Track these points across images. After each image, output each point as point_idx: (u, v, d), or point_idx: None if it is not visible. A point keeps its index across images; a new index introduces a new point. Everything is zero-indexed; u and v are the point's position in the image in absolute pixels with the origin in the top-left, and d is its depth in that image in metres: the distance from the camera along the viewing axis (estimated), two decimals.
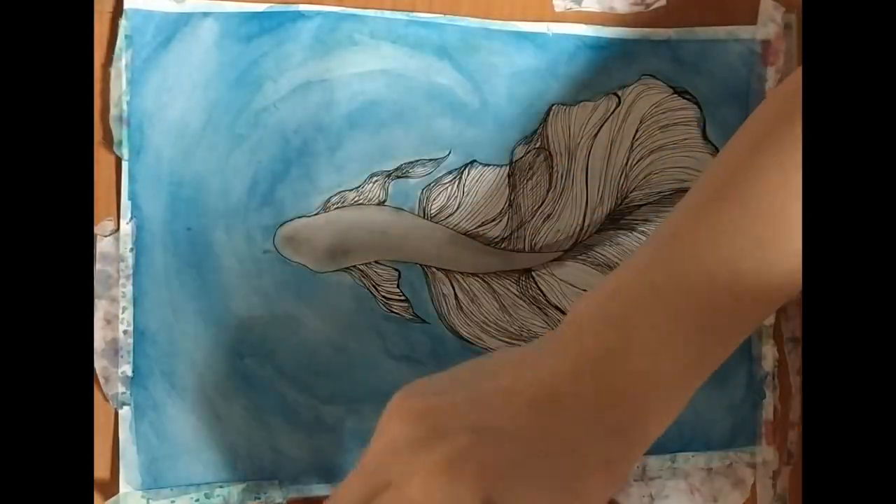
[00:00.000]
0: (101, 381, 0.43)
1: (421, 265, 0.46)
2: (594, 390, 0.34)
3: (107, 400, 0.43)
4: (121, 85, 0.43)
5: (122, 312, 0.43)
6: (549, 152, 0.46)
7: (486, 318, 0.46)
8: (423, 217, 0.46)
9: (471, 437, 0.32)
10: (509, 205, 0.46)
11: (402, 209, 0.46)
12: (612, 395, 0.34)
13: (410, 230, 0.45)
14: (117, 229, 0.44)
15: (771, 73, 0.47)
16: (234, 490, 0.43)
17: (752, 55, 0.47)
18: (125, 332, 0.43)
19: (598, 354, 0.34)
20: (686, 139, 0.47)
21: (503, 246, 0.46)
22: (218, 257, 0.44)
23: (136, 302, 0.43)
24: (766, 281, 0.36)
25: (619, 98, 0.47)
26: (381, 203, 0.45)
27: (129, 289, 0.43)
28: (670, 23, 0.47)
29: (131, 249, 0.43)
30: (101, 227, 0.44)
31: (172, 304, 0.44)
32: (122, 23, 0.43)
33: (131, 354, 0.43)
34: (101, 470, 0.43)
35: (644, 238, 0.47)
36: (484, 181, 0.46)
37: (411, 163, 0.45)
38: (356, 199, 0.45)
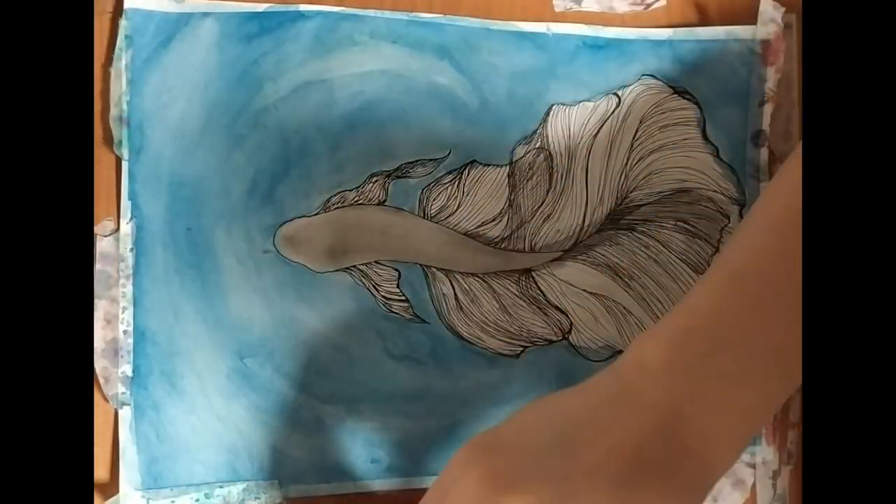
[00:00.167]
0: (101, 381, 0.43)
1: (421, 265, 0.46)
2: (667, 454, 0.34)
3: (107, 400, 0.43)
4: (121, 85, 0.43)
5: (122, 312, 0.43)
6: (549, 152, 0.46)
7: (486, 318, 0.46)
8: (423, 217, 0.46)
9: None
10: (509, 205, 0.46)
11: (402, 209, 0.46)
12: (683, 455, 0.34)
13: (410, 230, 0.45)
14: (117, 229, 0.44)
15: (771, 73, 0.47)
16: (234, 490, 0.43)
17: (752, 55, 0.47)
18: (125, 332, 0.43)
19: (668, 414, 0.34)
20: (686, 139, 0.47)
21: (503, 246, 0.46)
22: (218, 257, 0.44)
23: (136, 302, 0.43)
24: None
25: (618, 98, 0.47)
26: (381, 203, 0.45)
27: (129, 289, 0.43)
28: (670, 23, 0.47)
29: (131, 249, 0.43)
30: (102, 227, 0.44)
31: (172, 304, 0.44)
32: (122, 23, 0.43)
33: (131, 354, 0.43)
34: (101, 470, 0.43)
35: (644, 238, 0.47)
36: (484, 181, 0.46)
37: (411, 163, 0.45)
38: (356, 199, 0.45)
